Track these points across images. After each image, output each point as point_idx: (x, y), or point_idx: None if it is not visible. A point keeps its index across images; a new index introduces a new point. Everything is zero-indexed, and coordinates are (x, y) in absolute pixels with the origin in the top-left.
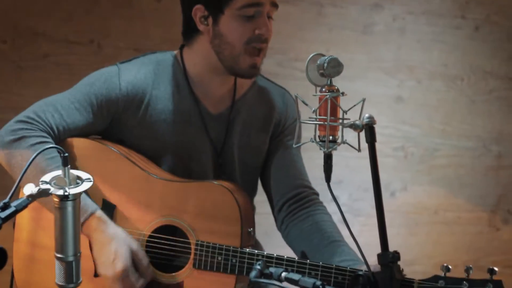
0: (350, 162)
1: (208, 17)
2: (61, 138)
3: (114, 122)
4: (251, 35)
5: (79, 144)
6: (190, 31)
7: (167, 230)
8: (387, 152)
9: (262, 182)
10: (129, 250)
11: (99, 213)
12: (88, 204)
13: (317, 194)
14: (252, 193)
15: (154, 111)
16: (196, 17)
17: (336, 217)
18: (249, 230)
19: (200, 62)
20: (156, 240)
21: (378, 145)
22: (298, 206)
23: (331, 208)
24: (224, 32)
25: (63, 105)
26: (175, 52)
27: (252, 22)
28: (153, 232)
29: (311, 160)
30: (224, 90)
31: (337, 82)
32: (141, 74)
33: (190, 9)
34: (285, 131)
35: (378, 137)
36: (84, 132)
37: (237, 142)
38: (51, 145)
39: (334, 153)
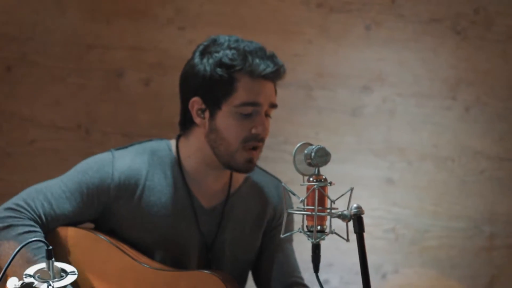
0: (340, 245)
1: (205, 111)
2: (50, 227)
3: (105, 211)
4: (247, 134)
5: (67, 233)
6: (186, 122)
7: None
8: (377, 235)
9: (254, 277)
10: None
11: None
12: None
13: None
14: (241, 286)
15: (146, 203)
16: (193, 110)
17: None
18: None
19: (195, 155)
20: None
21: (368, 228)
22: None
23: None
24: (220, 127)
25: (53, 193)
26: (172, 141)
27: (249, 120)
28: None
29: (301, 243)
30: (219, 184)
31: (327, 165)
32: (135, 164)
33: (188, 101)
34: (279, 226)
35: (368, 220)
36: (73, 221)
37: (229, 237)
38: (36, 238)
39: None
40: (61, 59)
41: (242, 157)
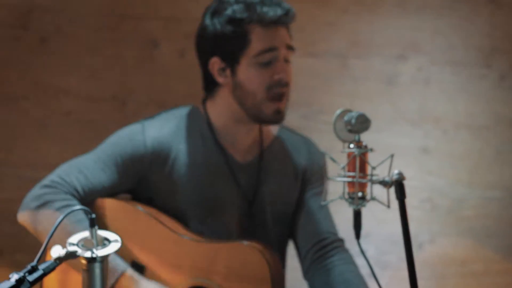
0: (377, 214)
1: (226, 69)
2: (87, 199)
3: (142, 180)
4: (270, 81)
5: (106, 205)
6: (210, 85)
7: None
8: (413, 204)
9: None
10: None
11: (130, 272)
12: (118, 263)
13: (342, 241)
14: (285, 242)
15: (181, 166)
16: (214, 70)
17: (365, 271)
18: None
19: (224, 113)
20: None
21: None
22: (322, 254)
23: (359, 261)
24: (243, 81)
25: (87, 166)
26: (198, 105)
27: (270, 68)
28: None
29: (338, 214)
30: (250, 139)
31: (363, 134)
32: (165, 130)
33: (207, 63)
34: (312, 178)
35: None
36: (111, 192)
37: (268, 190)
38: (77, 207)
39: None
40: (95, 30)
41: (270, 108)
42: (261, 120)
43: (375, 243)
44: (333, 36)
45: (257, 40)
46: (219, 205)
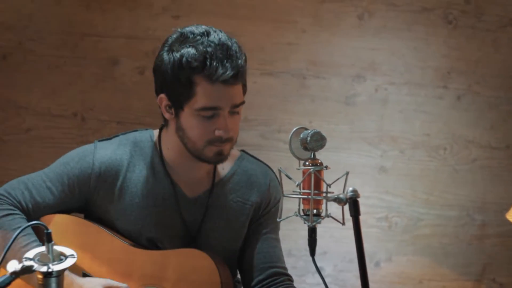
0: (335, 233)
1: (171, 108)
2: (31, 215)
3: (89, 202)
4: (211, 136)
5: (56, 220)
6: (162, 114)
7: None
8: (371, 223)
9: (237, 264)
10: (101, 283)
11: (66, 272)
12: None
13: (292, 281)
14: (231, 274)
15: (128, 194)
16: (162, 105)
17: None
18: None
19: (173, 147)
20: None
21: (362, 216)
22: None
23: (315, 279)
24: (184, 127)
25: (34, 183)
26: (155, 131)
27: (211, 122)
28: None
29: (295, 231)
30: (202, 172)
31: (320, 153)
32: (116, 155)
33: (157, 95)
34: (266, 215)
35: (361, 208)
36: (57, 210)
37: (214, 226)
38: (34, 222)
39: (319, 224)
40: (56, 48)
41: (211, 151)
42: (203, 160)
43: (332, 261)
44: (292, 55)
45: (202, 95)
46: (162, 237)
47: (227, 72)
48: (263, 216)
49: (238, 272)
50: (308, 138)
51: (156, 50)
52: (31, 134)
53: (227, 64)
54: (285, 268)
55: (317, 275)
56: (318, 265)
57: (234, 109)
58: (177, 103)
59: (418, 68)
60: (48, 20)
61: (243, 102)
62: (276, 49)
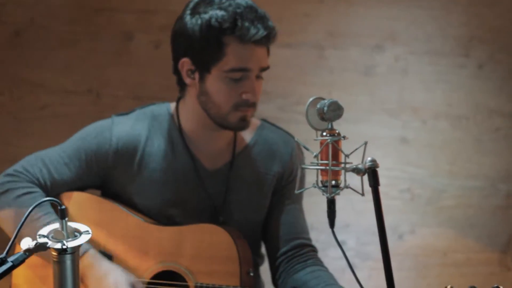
0: (357, 205)
1: (195, 72)
2: (49, 191)
3: (107, 178)
4: (237, 100)
5: (72, 196)
6: (180, 82)
7: (166, 276)
8: (393, 195)
9: (262, 235)
10: (128, 280)
11: (92, 251)
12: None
13: (316, 251)
14: (255, 246)
15: (146, 170)
16: (183, 70)
17: (343, 262)
18: (249, 270)
19: (192, 117)
20: (155, 286)
21: (384, 188)
22: (295, 261)
23: (337, 253)
24: (210, 91)
25: (51, 159)
26: (172, 104)
27: (239, 85)
28: (151, 278)
29: (316, 204)
30: (222, 143)
31: (340, 125)
32: (134, 130)
33: (177, 60)
34: (288, 185)
35: (383, 180)
36: (75, 186)
37: (237, 198)
38: (47, 198)
39: (340, 197)
40: (69, 23)
41: (235, 117)
42: (225, 127)
43: (355, 234)
44: (310, 27)
45: (233, 55)
46: (184, 212)
47: (259, 32)
48: (286, 186)
49: (262, 244)
50: (325, 108)
51: (171, 24)
52: (45, 111)
53: (258, 25)
54: (309, 239)
55: (339, 248)
56: (340, 238)
57: (261, 72)
58: (204, 66)
59: (438, 37)
60: None
61: (268, 67)
62: (293, 20)
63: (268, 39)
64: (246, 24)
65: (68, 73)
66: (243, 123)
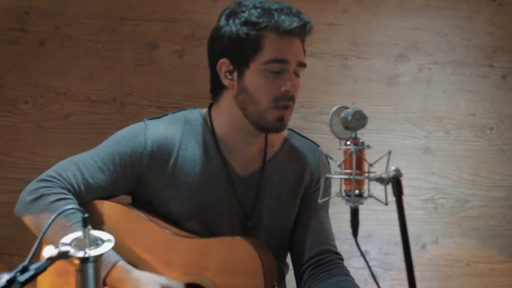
0: (380, 215)
1: (233, 72)
2: (83, 197)
3: (140, 182)
4: (277, 93)
5: (98, 205)
6: (216, 87)
7: None
8: (416, 205)
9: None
10: (159, 282)
11: (122, 263)
12: (110, 255)
13: (342, 260)
14: (282, 254)
15: (180, 173)
16: (221, 71)
17: (366, 272)
18: (273, 285)
19: (228, 121)
20: None
21: (407, 198)
22: (321, 269)
23: (360, 263)
24: (249, 87)
25: (85, 164)
26: (204, 110)
27: (278, 78)
28: None
29: (339, 214)
30: (254, 150)
31: (364, 134)
32: (168, 133)
33: (215, 63)
34: (316, 192)
35: (407, 190)
36: (109, 192)
37: (267, 205)
38: (69, 205)
39: (363, 207)
40: (94, 32)
41: (273, 115)
42: (262, 127)
43: (377, 244)
44: (333, 36)
45: (270, 47)
46: (216, 216)
47: (294, 23)
48: (313, 193)
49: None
50: (349, 117)
51: (195, 33)
52: (70, 120)
53: (293, 18)
54: (335, 246)
55: (361, 258)
56: (363, 248)
57: (299, 68)
58: (242, 61)
59: (462, 46)
60: (84, 4)
61: (305, 65)
62: (317, 29)
63: (304, 30)
64: (282, 16)
65: (92, 82)
66: (280, 124)
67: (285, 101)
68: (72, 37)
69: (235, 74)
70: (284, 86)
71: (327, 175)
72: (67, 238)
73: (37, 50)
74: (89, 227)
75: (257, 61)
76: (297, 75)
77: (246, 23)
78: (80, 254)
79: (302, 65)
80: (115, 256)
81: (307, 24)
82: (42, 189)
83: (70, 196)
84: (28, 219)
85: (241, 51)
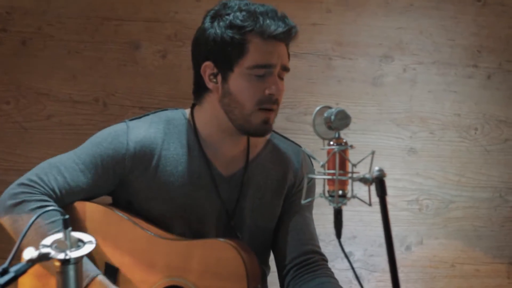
0: (364, 216)
1: (217, 75)
2: (65, 200)
3: (122, 183)
4: (261, 96)
5: (80, 207)
6: (200, 89)
7: None
8: (401, 206)
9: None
10: None
11: (101, 277)
12: (89, 269)
13: (326, 261)
14: (264, 254)
15: (163, 173)
16: (205, 74)
17: (350, 274)
18: (256, 287)
19: (211, 122)
20: None
21: (391, 199)
22: (305, 270)
23: (344, 264)
24: (233, 90)
25: (67, 166)
26: (187, 110)
27: (262, 81)
28: None
29: (323, 215)
30: (237, 150)
31: (348, 135)
32: (150, 134)
33: (199, 66)
34: (299, 193)
35: (391, 191)
36: (90, 194)
37: (249, 205)
38: (51, 208)
39: (348, 208)
40: (76, 32)
41: (258, 118)
42: (247, 131)
43: (362, 245)
44: (317, 36)
45: (255, 51)
46: (199, 216)
47: (280, 28)
48: (297, 194)
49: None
50: (332, 117)
51: (178, 33)
52: (52, 120)
53: (279, 22)
54: (319, 247)
55: (346, 260)
56: (348, 250)
57: (283, 72)
58: (226, 65)
59: (447, 47)
60: (67, 4)
61: (289, 69)
62: (301, 30)
63: (289, 35)
64: (267, 21)
65: (75, 82)
66: (265, 126)
67: (269, 104)
68: (54, 37)
69: (219, 78)
70: (268, 89)
71: (310, 175)
72: (48, 240)
73: (19, 50)
74: (70, 228)
75: (241, 66)
76: (281, 78)
77: (231, 26)
78: (61, 256)
79: (286, 69)
80: (94, 270)
81: (292, 29)
82: (23, 194)
83: (51, 203)
84: (7, 223)
85: (226, 55)
